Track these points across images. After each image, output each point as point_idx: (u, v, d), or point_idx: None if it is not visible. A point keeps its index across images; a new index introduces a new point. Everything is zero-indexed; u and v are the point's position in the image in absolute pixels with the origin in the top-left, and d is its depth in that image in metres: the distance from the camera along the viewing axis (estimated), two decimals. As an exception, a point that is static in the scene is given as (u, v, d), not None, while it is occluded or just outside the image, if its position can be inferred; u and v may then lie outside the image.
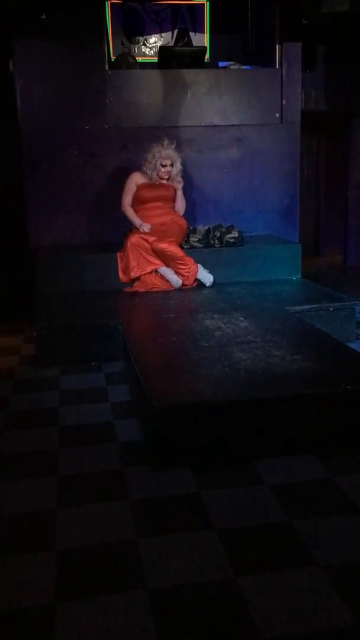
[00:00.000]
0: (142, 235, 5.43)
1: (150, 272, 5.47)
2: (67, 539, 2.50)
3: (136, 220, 5.58)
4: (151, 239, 5.41)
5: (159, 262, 5.47)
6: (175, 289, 5.43)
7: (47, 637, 1.99)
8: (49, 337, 4.62)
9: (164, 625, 2.02)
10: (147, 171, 5.59)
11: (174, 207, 5.71)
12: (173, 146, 5.59)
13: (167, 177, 5.60)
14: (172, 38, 6.74)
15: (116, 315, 4.82)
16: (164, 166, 5.54)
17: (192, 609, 2.09)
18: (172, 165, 5.57)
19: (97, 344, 4.66)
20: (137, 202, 5.64)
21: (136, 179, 5.66)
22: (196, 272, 5.53)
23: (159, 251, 5.42)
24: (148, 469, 3.03)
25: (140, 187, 5.63)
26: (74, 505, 2.75)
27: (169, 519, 2.62)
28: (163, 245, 5.40)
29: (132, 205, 5.64)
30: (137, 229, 5.51)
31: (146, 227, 5.50)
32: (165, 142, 5.54)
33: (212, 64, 6.59)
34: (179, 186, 5.69)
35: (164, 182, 5.62)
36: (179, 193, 5.71)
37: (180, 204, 5.74)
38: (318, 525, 2.53)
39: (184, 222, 5.71)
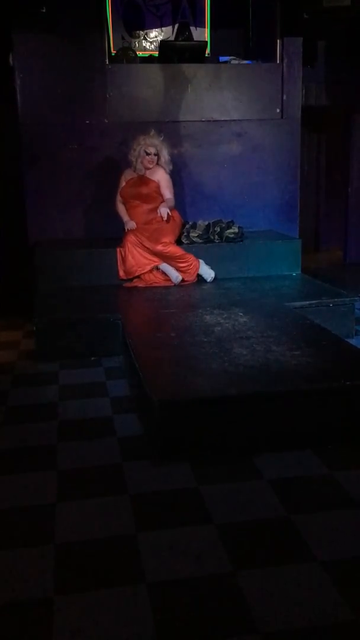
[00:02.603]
0: (137, 236, 5.41)
1: (150, 270, 5.47)
2: (66, 533, 2.50)
3: (124, 216, 5.61)
4: (146, 242, 5.38)
5: (157, 260, 5.45)
6: (175, 285, 5.43)
7: (45, 630, 2.00)
8: (48, 332, 4.62)
9: (163, 619, 2.02)
10: (132, 159, 5.55)
11: (161, 202, 5.56)
12: (161, 138, 5.56)
13: (151, 166, 5.53)
14: (172, 32, 6.72)
15: (116, 310, 4.82)
16: (148, 154, 5.49)
17: (191, 603, 2.09)
18: (156, 154, 5.53)
19: (97, 338, 4.65)
20: (124, 200, 5.65)
21: (126, 175, 5.68)
22: (197, 268, 5.53)
23: (157, 253, 5.41)
24: (147, 464, 3.03)
25: (125, 184, 5.62)
26: (73, 499, 2.76)
27: (168, 513, 2.63)
28: (160, 248, 5.38)
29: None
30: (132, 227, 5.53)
31: (131, 225, 5.50)
32: (152, 132, 5.54)
33: (213, 59, 6.57)
34: (167, 170, 5.57)
35: (148, 171, 5.53)
36: (163, 184, 5.56)
37: (168, 195, 5.57)
38: (317, 520, 2.54)
39: (176, 217, 5.65)
